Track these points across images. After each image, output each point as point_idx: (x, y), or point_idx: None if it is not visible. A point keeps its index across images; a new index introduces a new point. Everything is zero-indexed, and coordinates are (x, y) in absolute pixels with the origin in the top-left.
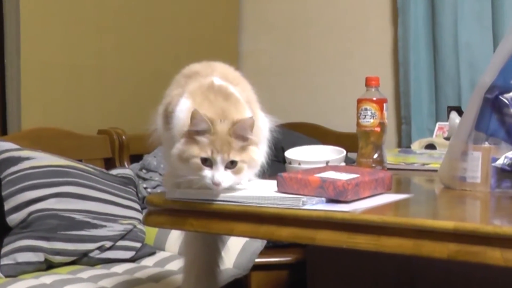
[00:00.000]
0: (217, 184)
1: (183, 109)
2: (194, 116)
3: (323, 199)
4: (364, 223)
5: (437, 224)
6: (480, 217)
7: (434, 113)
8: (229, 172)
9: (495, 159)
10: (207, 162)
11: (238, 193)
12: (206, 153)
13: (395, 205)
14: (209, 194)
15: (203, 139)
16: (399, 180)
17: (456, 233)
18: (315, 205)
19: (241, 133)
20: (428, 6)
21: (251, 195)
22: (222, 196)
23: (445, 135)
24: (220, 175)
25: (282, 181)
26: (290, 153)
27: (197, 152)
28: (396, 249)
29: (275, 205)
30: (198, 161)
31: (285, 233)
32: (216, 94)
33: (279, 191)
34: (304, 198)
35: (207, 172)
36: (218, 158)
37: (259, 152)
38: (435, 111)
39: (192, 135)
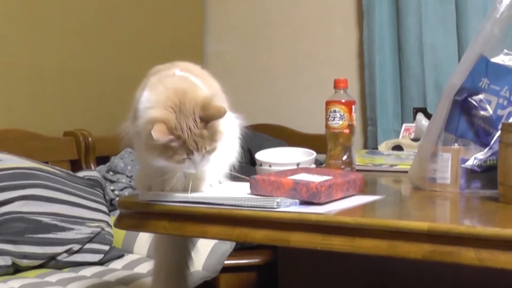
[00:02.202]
0: (199, 171)
1: (143, 101)
2: (155, 134)
3: (297, 201)
4: (338, 224)
5: (412, 225)
6: (453, 217)
7: (399, 115)
8: (206, 156)
9: (465, 160)
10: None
11: (211, 194)
12: (182, 156)
13: (368, 206)
14: (182, 197)
15: (173, 144)
16: (369, 182)
17: (430, 233)
18: (289, 207)
19: (206, 117)
20: (393, 8)
21: (225, 196)
22: (196, 197)
23: (412, 136)
24: (200, 166)
25: (255, 183)
26: (260, 155)
27: (172, 158)
28: (371, 250)
29: (249, 206)
30: (176, 163)
31: (259, 235)
32: (175, 80)
33: (252, 193)
34: (278, 199)
35: (188, 165)
36: (195, 156)
37: (223, 123)
38: (401, 112)
39: (159, 146)
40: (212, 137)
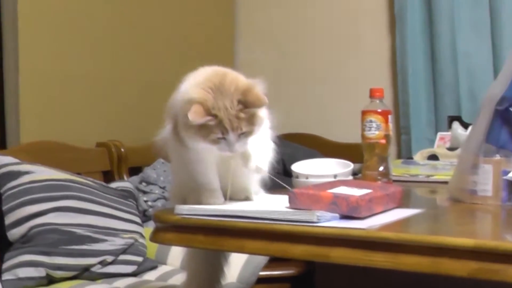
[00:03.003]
0: (234, 152)
1: (182, 90)
2: (191, 116)
3: (337, 215)
4: (380, 240)
5: (457, 241)
6: (497, 233)
7: (433, 123)
8: (242, 138)
9: (506, 172)
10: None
11: (249, 208)
12: (217, 135)
13: (409, 220)
14: (218, 210)
15: (210, 123)
16: (407, 193)
17: (476, 250)
18: (329, 222)
19: (245, 102)
20: (426, 14)
21: (263, 210)
22: (233, 211)
23: (447, 145)
24: (236, 147)
25: (293, 197)
26: (297, 167)
27: (207, 136)
28: (414, 267)
29: (289, 220)
30: (211, 143)
31: (298, 250)
32: (214, 68)
33: (291, 207)
34: (318, 213)
35: (223, 146)
36: (231, 135)
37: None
38: (435, 120)
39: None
40: (250, 119)
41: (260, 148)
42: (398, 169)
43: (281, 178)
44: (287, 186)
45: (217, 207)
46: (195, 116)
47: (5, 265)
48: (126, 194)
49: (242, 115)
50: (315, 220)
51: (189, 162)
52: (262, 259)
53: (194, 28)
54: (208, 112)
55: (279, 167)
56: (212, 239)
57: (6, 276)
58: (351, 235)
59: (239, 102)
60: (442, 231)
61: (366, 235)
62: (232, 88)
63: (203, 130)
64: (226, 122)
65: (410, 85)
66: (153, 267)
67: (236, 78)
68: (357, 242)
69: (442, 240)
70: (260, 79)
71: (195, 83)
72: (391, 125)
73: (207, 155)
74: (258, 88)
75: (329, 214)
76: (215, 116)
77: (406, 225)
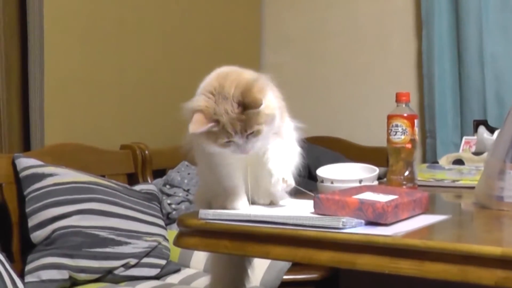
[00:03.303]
0: (246, 153)
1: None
2: (191, 128)
3: (362, 221)
4: (407, 247)
5: (484, 249)
6: None
7: (459, 127)
8: (251, 138)
9: None
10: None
11: (274, 213)
12: (223, 139)
13: (435, 227)
14: (243, 215)
15: (214, 129)
16: (432, 198)
17: (503, 259)
18: (355, 228)
19: (243, 104)
20: (453, 18)
21: (288, 215)
22: (258, 216)
23: (472, 149)
24: (246, 148)
25: (319, 203)
26: (322, 172)
27: (215, 143)
28: (441, 275)
29: (314, 226)
30: (221, 147)
31: (324, 257)
32: (222, 69)
33: (316, 212)
34: (344, 219)
35: (233, 148)
36: (237, 138)
37: (271, 104)
38: (460, 124)
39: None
40: (254, 119)
41: (285, 156)
42: (423, 173)
43: (305, 182)
44: (309, 193)
45: (242, 212)
46: (195, 126)
47: (28, 267)
48: (150, 197)
49: (243, 117)
50: (340, 226)
51: (215, 166)
52: (286, 263)
53: (220, 31)
54: (210, 118)
55: (305, 171)
56: (237, 245)
57: (29, 278)
58: (377, 242)
59: (239, 104)
60: (469, 238)
61: (392, 242)
62: (231, 90)
63: (210, 136)
64: (228, 127)
65: (436, 89)
66: (176, 270)
67: (237, 78)
68: (383, 249)
69: (468, 248)
70: (264, 75)
71: (200, 89)
72: (417, 130)
73: (233, 159)
74: (259, 85)
75: (354, 220)
76: (217, 121)
77: (432, 232)
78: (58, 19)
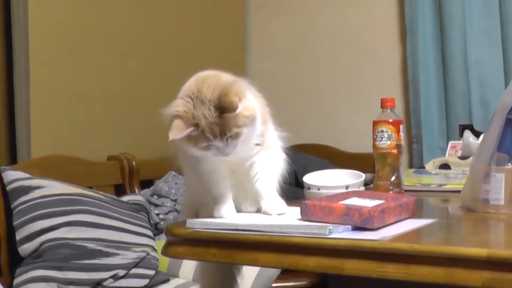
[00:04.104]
0: (227, 155)
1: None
2: (171, 135)
3: (349, 226)
4: (394, 251)
5: (471, 252)
6: (511, 242)
7: (445, 131)
8: (231, 141)
9: None
10: None
11: (261, 221)
12: (203, 143)
13: (422, 231)
14: (230, 224)
15: (194, 133)
16: (419, 203)
17: (489, 260)
18: (342, 233)
19: (220, 108)
20: (436, 24)
21: (275, 224)
22: (245, 225)
23: (458, 154)
24: (227, 151)
25: (305, 209)
26: (308, 178)
27: (196, 147)
28: (428, 277)
29: (301, 234)
30: (203, 150)
31: (311, 263)
32: (202, 73)
33: (303, 219)
34: (331, 226)
35: (215, 151)
36: (216, 142)
37: (250, 103)
38: (446, 129)
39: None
40: (231, 123)
41: (272, 172)
42: (410, 178)
43: (293, 190)
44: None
45: (229, 221)
46: (174, 133)
47: (17, 281)
48: (137, 208)
49: (221, 120)
50: (327, 233)
51: (201, 173)
52: (275, 271)
53: (205, 40)
54: (189, 123)
55: (291, 178)
56: (225, 253)
57: None
58: (364, 247)
59: (216, 108)
60: (455, 241)
61: (379, 246)
62: (208, 94)
63: (191, 140)
64: (207, 131)
65: (422, 94)
66: (165, 280)
67: (215, 82)
68: (370, 254)
69: (455, 251)
70: (242, 79)
71: (180, 93)
72: (402, 135)
73: (219, 165)
74: (236, 88)
75: (341, 227)
76: (196, 125)
77: (419, 236)
78: (43, 30)
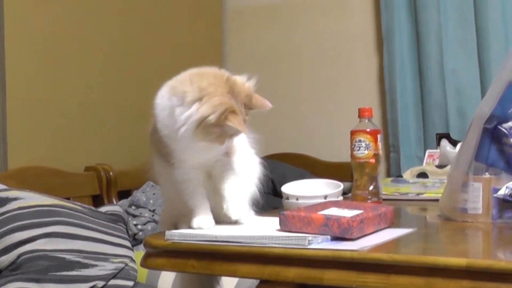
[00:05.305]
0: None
1: (189, 92)
2: (241, 124)
3: (328, 237)
4: (373, 261)
5: (450, 261)
6: (489, 251)
7: (422, 140)
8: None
9: (496, 190)
10: None
11: (240, 232)
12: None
13: (401, 240)
14: (209, 236)
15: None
16: (397, 212)
17: (469, 270)
18: (321, 244)
19: (254, 102)
20: (413, 34)
21: (254, 235)
22: (223, 237)
23: (436, 162)
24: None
25: (284, 220)
26: (287, 188)
27: (212, 139)
28: (407, 287)
29: (280, 245)
30: (212, 142)
31: (291, 273)
32: (209, 70)
33: (282, 229)
34: (310, 237)
35: (225, 146)
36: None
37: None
38: (423, 138)
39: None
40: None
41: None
42: (388, 187)
43: (271, 199)
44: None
45: (208, 232)
46: (245, 127)
47: None
48: (115, 218)
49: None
50: (306, 244)
51: (176, 183)
52: (254, 281)
53: (182, 49)
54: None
55: (269, 188)
56: (204, 264)
57: None
58: (344, 257)
59: (245, 104)
60: (434, 250)
61: (358, 256)
62: (241, 92)
63: (213, 133)
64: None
65: (399, 104)
66: None
67: (240, 81)
68: (349, 264)
69: (434, 260)
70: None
71: (210, 87)
72: (380, 144)
73: (193, 173)
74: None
75: (320, 237)
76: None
77: (398, 245)
78: (19, 41)
